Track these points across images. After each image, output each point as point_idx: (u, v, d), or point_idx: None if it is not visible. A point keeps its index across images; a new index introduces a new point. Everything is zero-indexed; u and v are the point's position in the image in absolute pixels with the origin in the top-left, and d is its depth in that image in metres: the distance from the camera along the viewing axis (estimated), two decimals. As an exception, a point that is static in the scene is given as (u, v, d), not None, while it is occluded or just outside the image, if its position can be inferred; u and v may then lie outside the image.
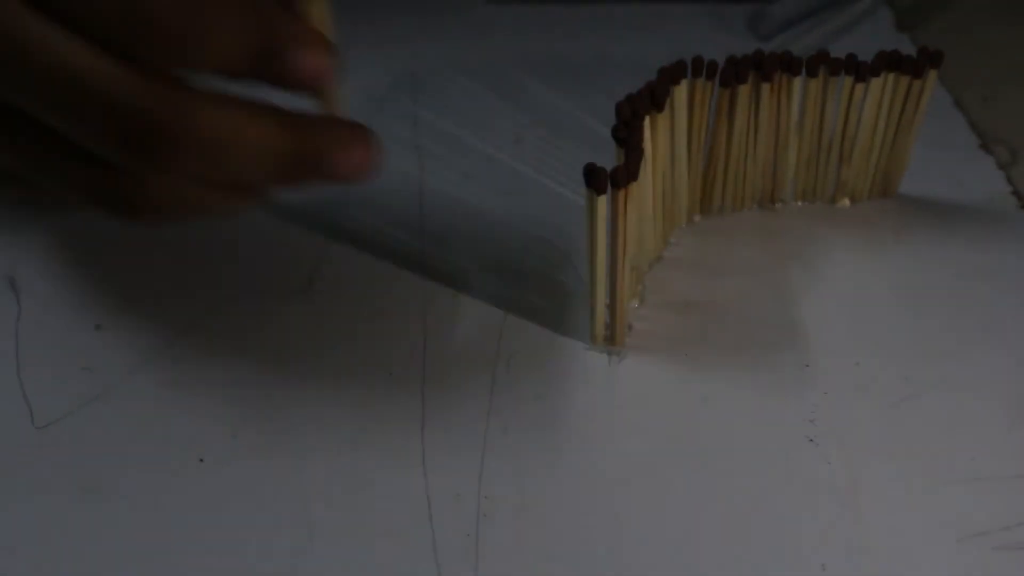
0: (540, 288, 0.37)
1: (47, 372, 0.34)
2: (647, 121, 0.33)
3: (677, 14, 0.59)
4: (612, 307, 0.34)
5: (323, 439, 0.31)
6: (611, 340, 0.35)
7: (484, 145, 0.46)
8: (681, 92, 0.36)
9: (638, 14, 0.59)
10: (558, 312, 0.35)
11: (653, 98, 0.34)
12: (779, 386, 0.33)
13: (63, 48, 0.27)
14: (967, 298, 0.37)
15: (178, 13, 0.28)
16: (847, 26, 0.56)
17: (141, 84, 0.28)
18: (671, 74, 0.36)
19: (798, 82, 0.39)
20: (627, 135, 0.32)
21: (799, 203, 0.43)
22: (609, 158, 0.32)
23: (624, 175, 0.31)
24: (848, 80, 0.39)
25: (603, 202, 0.31)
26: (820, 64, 0.38)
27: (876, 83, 0.39)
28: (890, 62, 0.39)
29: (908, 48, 0.49)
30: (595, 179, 0.31)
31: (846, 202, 0.42)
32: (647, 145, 0.33)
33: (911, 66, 0.39)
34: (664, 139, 0.36)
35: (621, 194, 0.31)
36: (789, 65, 0.38)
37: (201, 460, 0.30)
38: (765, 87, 0.38)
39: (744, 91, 0.38)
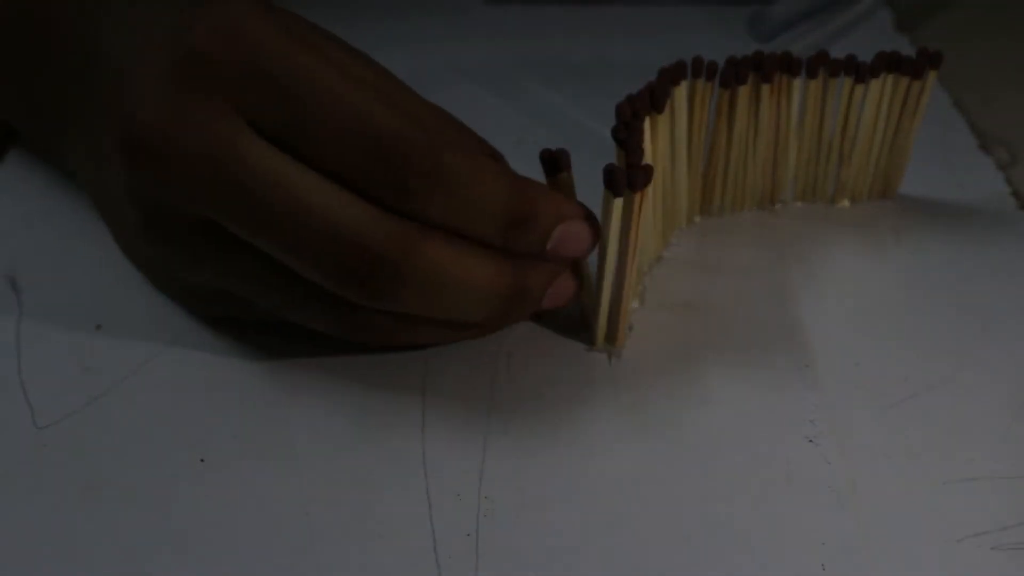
0: (540, 288, 0.37)
1: (48, 372, 0.34)
2: (647, 122, 0.33)
3: (677, 15, 0.59)
4: (614, 308, 0.34)
5: (323, 439, 0.31)
6: (611, 340, 0.35)
7: (484, 146, 0.46)
8: (681, 93, 0.36)
9: (638, 15, 0.59)
10: (559, 312, 0.35)
11: (653, 99, 0.34)
12: (779, 386, 0.33)
13: (299, 180, 0.28)
14: (967, 298, 0.37)
15: (447, 169, 0.28)
16: (847, 27, 0.56)
17: (375, 217, 0.29)
18: (671, 75, 0.36)
19: (798, 83, 0.39)
20: (627, 136, 0.32)
21: (799, 204, 0.43)
22: (609, 159, 0.32)
23: (643, 178, 0.31)
24: (848, 81, 0.39)
25: (619, 204, 0.31)
26: (820, 65, 0.38)
27: (876, 84, 0.39)
28: (890, 63, 0.39)
29: (908, 49, 0.49)
30: (615, 181, 0.31)
31: (846, 203, 0.42)
32: (647, 146, 0.33)
33: (911, 67, 0.39)
34: (664, 140, 0.36)
35: (638, 196, 0.31)
36: (789, 66, 0.38)
37: (202, 460, 0.30)
38: (765, 88, 0.38)
39: (744, 92, 0.38)
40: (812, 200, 0.43)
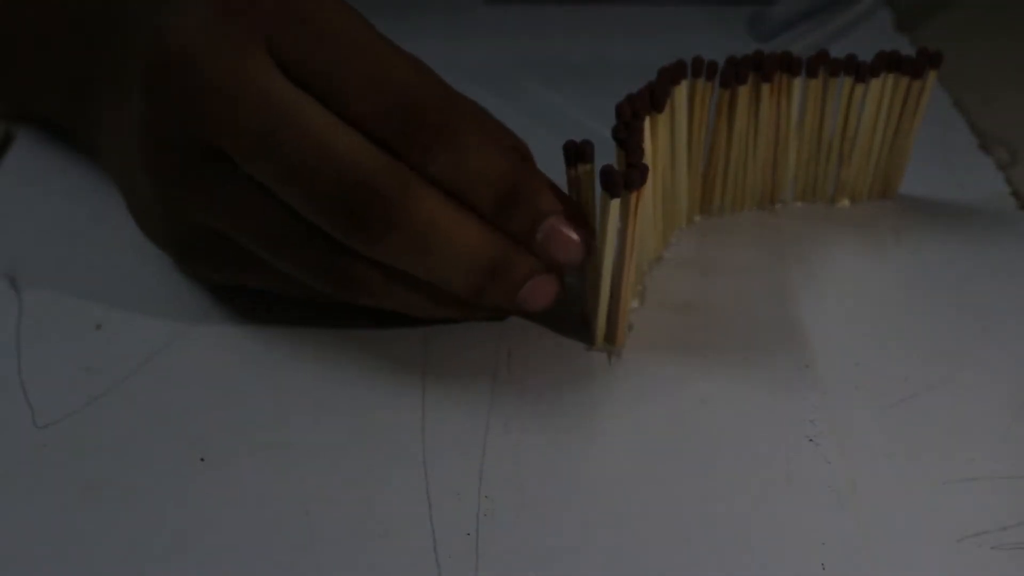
0: (540, 288, 0.37)
1: (48, 372, 0.34)
2: (647, 122, 0.33)
3: (677, 15, 0.59)
4: (613, 307, 0.34)
5: (323, 438, 0.31)
6: (611, 340, 0.35)
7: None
8: (681, 93, 0.36)
9: (638, 15, 0.59)
10: (559, 311, 0.35)
11: (653, 99, 0.34)
12: (779, 386, 0.33)
13: (314, 117, 0.30)
14: (967, 298, 0.37)
15: (452, 125, 0.30)
16: (847, 27, 0.56)
17: (379, 157, 0.30)
18: (671, 75, 0.36)
19: (798, 83, 0.39)
20: (627, 136, 0.32)
21: (799, 203, 0.43)
22: (609, 159, 0.32)
23: (639, 177, 0.31)
24: (848, 81, 0.39)
25: (616, 205, 0.31)
26: (820, 65, 0.38)
27: (876, 84, 0.39)
28: (890, 63, 0.39)
29: (908, 49, 0.49)
30: (611, 182, 0.31)
31: (846, 202, 0.42)
32: (647, 146, 0.33)
33: (911, 67, 0.39)
34: (664, 140, 0.36)
35: (634, 196, 0.31)
36: (789, 66, 0.38)
37: (202, 459, 0.30)
38: (765, 88, 0.38)
39: (744, 92, 0.38)
40: (812, 200, 0.43)
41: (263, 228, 0.32)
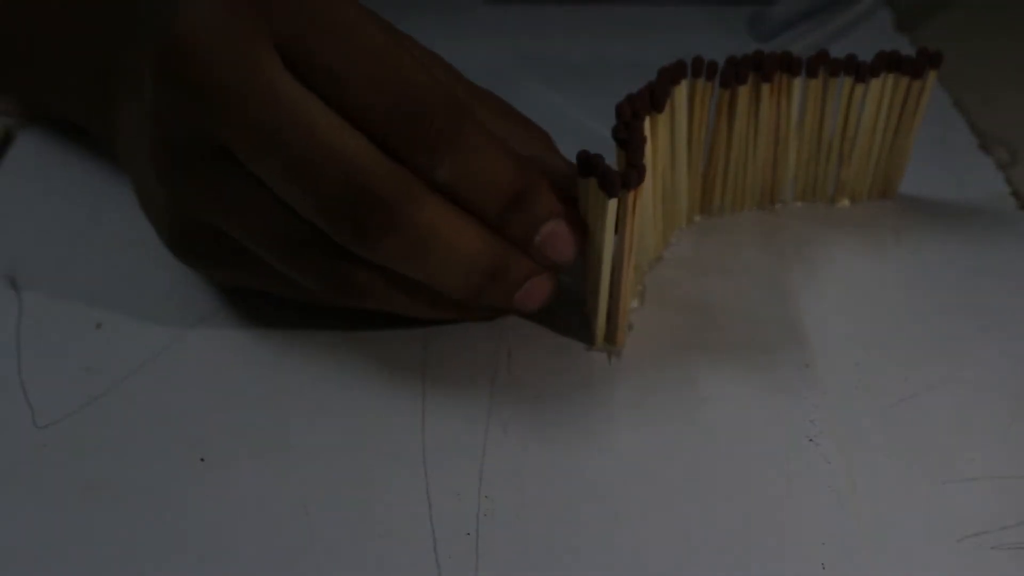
0: (540, 288, 0.37)
1: (48, 371, 0.34)
2: (647, 122, 0.33)
3: (677, 15, 0.59)
4: (613, 307, 0.34)
5: (323, 438, 0.31)
6: (611, 339, 0.35)
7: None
8: (681, 93, 0.36)
9: (638, 15, 0.59)
10: (558, 311, 0.35)
11: (653, 99, 0.34)
12: (779, 386, 0.33)
13: (320, 117, 0.29)
14: (967, 297, 0.37)
15: (456, 129, 0.30)
16: (847, 27, 0.56)
17: (383, 162, 0.30)
18: (671, 75, 0.36)
19: (798, 83, 0.39)
20: (627, 136, 0.32)
21: (799, 203, 0.43)
22: (610, 159, 0.32)
23: (636, 176, 0.31)
24: (848, 80, 0.39)
25: (614, 204, 0.31)
26: (820, 65, 0.38)
27: (876, 84, 0.39)
28: (890, 63, 0.39)
29: (908, 49, 0.49)
30: (609, 182, 0.31)
31: (846, 202, 0.42)
32: (647, 146, 0.33)
33: (911, 67, 0.39)
34: (664, 140, 0.36)
35: (631, 195, 0.31)
36: (789, 66, 0.38)
37: (202, 459, 0.30)
38: (765, 88, 0.38)
39: (744, 92, 0.38)
40: (812, 200, 0.43)
41: (264, 228, 0.32)
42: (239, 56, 0.29)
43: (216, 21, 0.30)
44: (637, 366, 0.34)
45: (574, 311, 0.36)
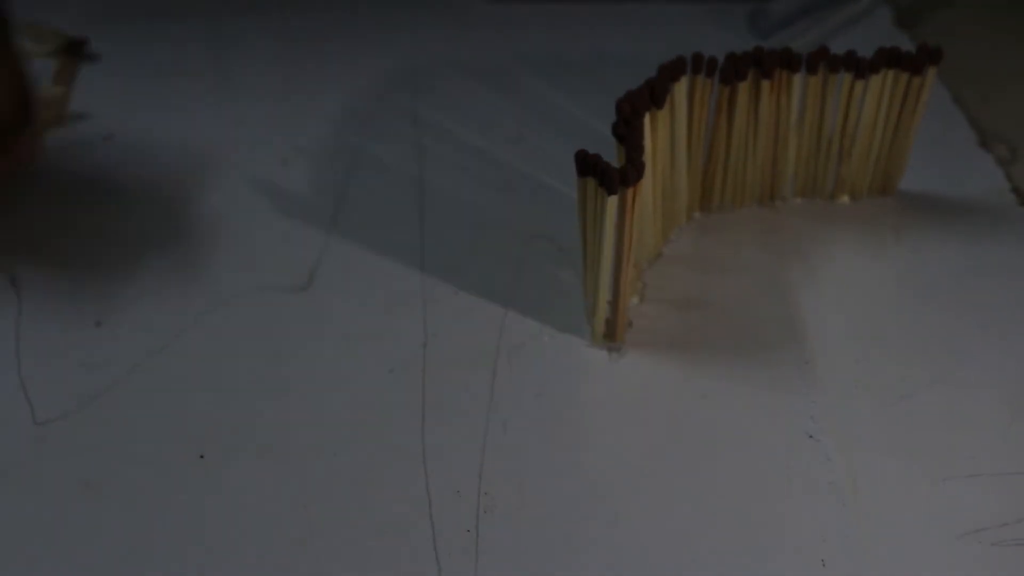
0: (540, 285, 0.37)
1: (48, 369, 0.34)
2: (647, 118, 0.33)
3: (677, 12, 0.59)
4: (613, 304, 0.34)
5: (323, 435, 0.31)
6: (611, 337, 0.35)
7: (484, 142, 0.46)
8: (681, 89, 0.36)
9: (638, 12, 0.59)
10: (558, 308, 0.35)
11: (653, 95, 0.34)
12: (779, 383, 0.33)
13: None
14: (966, 295, 0.37)
15: None
16: (847, 23, 0.56)
17: None
18: (671, 71, 0.36)
19: (798, 79, 0.39)
20: (627, 132, 0.32)
21: (799, 200, 0.43)
22: (609, 156, 0.32)
23: (634, 173, 0.31)
24: (848, 77, 0.39)
25: (613, 201, 0.31)
26: (820, 61, 0.38)
27: (876, 80, 0.39)
28: (890, 59, 0.39)
29: (907, 45, 0.49)
30: (608, 179, 0.31)
31: (846, 199, 0.42)
32: (647, 142, 0.33)
33: (910, 63, 0.39)
34: (664, 136, 0.36)
35: (630, 192, 0.31)
36: (789, 62, 0.38)
37: (201, 456, 0.30)
38: (765, 84, 0.38)
39: (744, 88, 0.38)
40: (812, 197, 0.43)
41: None
42: None
43: None
44: (637, 363, 0.34)
45: (574, 308, 0.36)
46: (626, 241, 0.32)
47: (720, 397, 0.33)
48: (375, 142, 0.45)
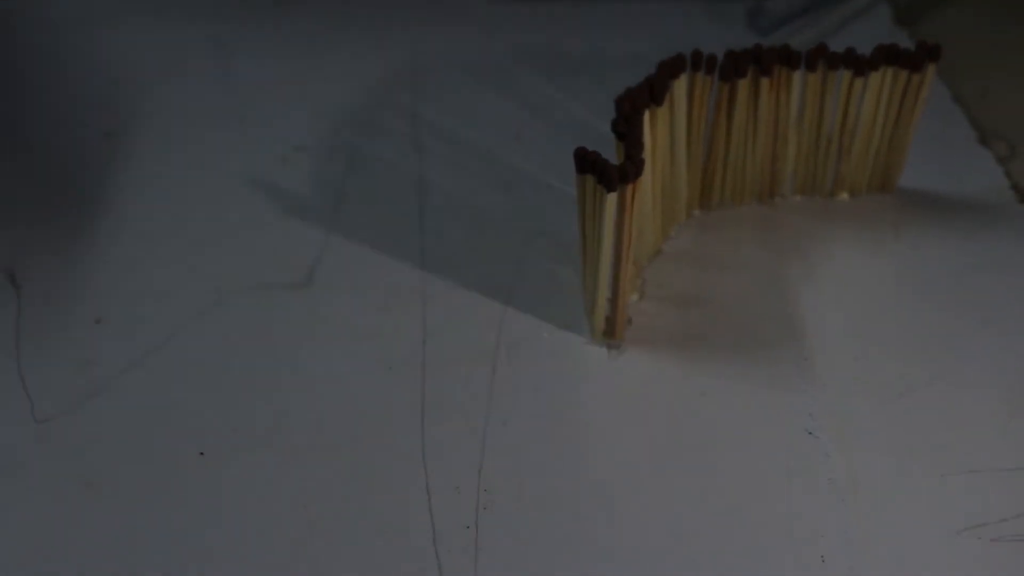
0: (539, 282, 0.37)
1: (47, 366, 0.34)
2: (647, 116, 0.33)
3: (676, 9, 0.59)
4: (613, 301, 0.34)
5: (323, 432, 0.31)
6: (611, 334, 0.35)
7: (484, 140, 0.46)
8: (680, 86, 0.36)
9: (637, 9, 0.59)
10: (558, 306, 0.35)
11: (652, 92, 0.34)
12: (778, 380, 0.33)
13: None
14: (965, 292, 0.37)
15: None
16: (846, 21, 0.56)
17: None
18: (670, 68, 0.36)
19: (797, 76, 0.39)
20: (627, 130, 0.32)
21: (798, 197, 0.43)
22: (609, 153, 0.32)
23: (634, 171, 0.31)
24: (847, 74, 0.39)
25: (612, 199, 0.31)
26: (819, 58, 0.38)
27: (875, 77, 0.39)
28: (889, 56, 0.39)
29: (906, 43, 0.49)
30: (606, 176, 0.31)
31: (845, 196, 0.42)
32: (646, 139, 0.33)
33: (910, 60, 0.39)
34: (663, 133, 0.36)
35: (629, 189, 0.31)
36: (788, 59, 0.38)
37: (201, 454, 0.30)
38: (764, 81, 0.38)
39: (743, 85, 0.38)
40: (811, 194, 0.43)
41: None
42: None
43: None
44: (636, 360, 0.34)
45: (574, 305, 0.36)
46: (625, 238, 0.32)
47: (719, 394, 0.33)
48: (374, 140, 0.45)
